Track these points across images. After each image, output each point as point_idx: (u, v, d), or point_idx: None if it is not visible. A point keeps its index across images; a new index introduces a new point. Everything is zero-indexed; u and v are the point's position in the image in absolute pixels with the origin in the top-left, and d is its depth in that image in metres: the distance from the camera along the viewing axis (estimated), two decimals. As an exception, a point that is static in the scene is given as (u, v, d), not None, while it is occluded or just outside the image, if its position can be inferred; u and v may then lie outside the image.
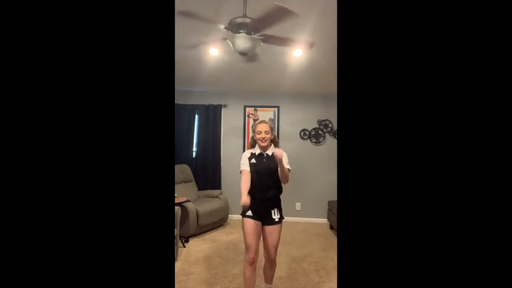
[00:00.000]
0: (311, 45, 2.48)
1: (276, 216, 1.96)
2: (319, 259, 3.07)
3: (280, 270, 2.74)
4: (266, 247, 2.00)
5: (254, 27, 2.05)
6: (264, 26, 2.05)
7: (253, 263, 1.93)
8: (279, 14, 1.90)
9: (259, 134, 1.96)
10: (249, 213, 1.93)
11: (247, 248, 1.93)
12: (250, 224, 1.91)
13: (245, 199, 1.80)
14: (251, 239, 1.91)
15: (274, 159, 1.92)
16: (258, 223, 1.94)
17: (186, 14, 1.91)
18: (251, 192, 1.93)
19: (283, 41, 2.32)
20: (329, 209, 4.36)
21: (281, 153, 1.81)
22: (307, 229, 4.20)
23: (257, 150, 2.00)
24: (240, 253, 3.12)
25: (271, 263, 2.06)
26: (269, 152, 1.98)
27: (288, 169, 1.92)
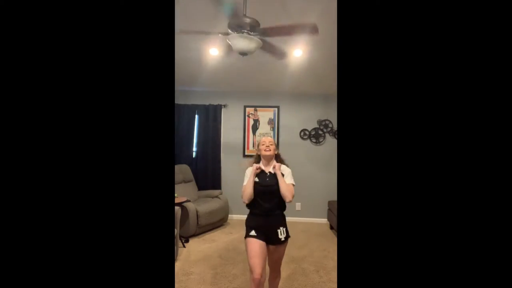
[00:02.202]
0: (314, 30, 2.31)
1: (282, 236, 1.88)
2: (319, 259, 3.07)
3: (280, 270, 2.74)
4: (269, 263, 1.97)
5: (256, 27, 2.05)
6: (276, 34, 2.05)
7: (259, 284, 1.80)
8: (302, 30, 1.90)
9: (263, 145, 1.96)
10: (253, 232, 1.86)
11: (252, 270, 1.80)
12: (254, 245, 1.82)
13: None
14: (256, 261, 1.78)
15: (277, 178, 1.91)
16: (263, 243, 1.84)
17: (185, 32, 1.92)
18: (254, 211, 1.91)
19: (284, 31, 2.29)
20: (329, 209, 4.36)
21: (279, 166, 1.89)
22: (307, 229, 4.20)
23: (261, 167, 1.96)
24: (240, 253, 3.12)
25: (275, 274, 2.04)
26: (272, 170, 1.94)
27: (293, 184, 1.92)
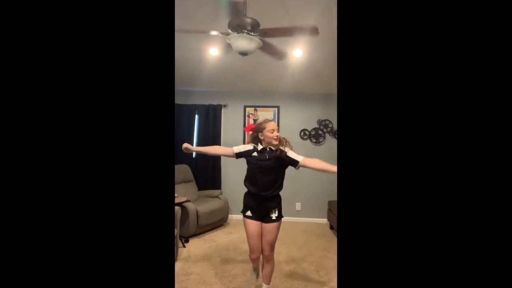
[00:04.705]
0: (314, 32, 2.34)
1: (274, 215, 1.98)
2: (319, 259, 3.07)
3: (280, 270, 2.74)
4: (263, 244, 2.01)
5: (256, 27, 2.05)
6: (274, 35, 2.05)
7: (256, 260, 2.07)
8: (304, 31, 1.90)
9: (272, 132, 1.93)
10: (249, 213, 1.98)
11: (250, 248, 2.02)
12: (251, 225, 1.97)
13: (189, 146, 1.96)
14: (253, 241, 1.98)
15: (276, 154, 1.94)
16: (258, 223, 1.98)
17: (180, 31, 1.93)
18: (251, 190, 1.98)
19: (284, 32, 2.28)
20: (329, 209, 4.36)
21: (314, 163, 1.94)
22: (307, 229, 4.20)
23: (259, 147, 1.99)
24: (240, 253, 3.12)
25: (266, 260, 2.04)
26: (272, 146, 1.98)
27: (299, 162, 1.95)
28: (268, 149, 1.97)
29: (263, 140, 1.97)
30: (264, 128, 1.95)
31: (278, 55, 2.39)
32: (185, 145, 1.98)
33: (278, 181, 1.98)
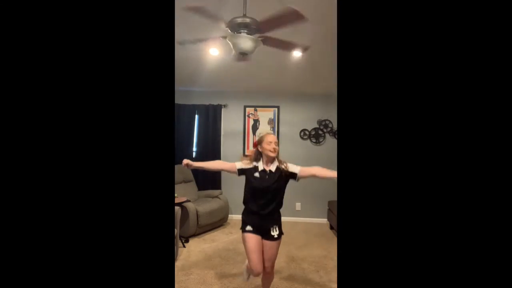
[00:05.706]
0: (305, 49, 2.49)
1: (275, 233, 1.94)
2: (319, 259, 3.07)
3: (280, 270, 2.74)
4: (263, 261, 1.97)
5: (256, 27, 2.05)
6: (269, 28, 2.04)
7: (258, 275, 1.95)
8: (290, 17, 1.90)
9: (269, 144, 1.89)
10: (249, 227, 1.91)
11: (250, 264, 1.91)
12: (251, 240, 1.90)
13: (190, 162, 1.93)
14: (253, 256, 1.88)
15: (277, 175, 1.90)
16: (258, 237, 1.92)
17: (195, 9, 1.92)
18: (250, 209, 1.93)
19: (282, 44, 2.31)
20: (329, 209, 4.36)
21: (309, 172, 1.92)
22: (307, 229, 4.20)
23: (260, 165, 1.94)
24: (240, 253, 3.12)
25: (268, 275, 2.05)
26: (273, 168, 1.93)
27: (297, 174, 1.93)
28: (268, 171, 1.92)
29: (262, 152, 1.93)
30: (262, 141, 1.92)
31: (287, 46, 2.38)
32: (186, 161, 1.91)
33: (278, 200, 1.94)
